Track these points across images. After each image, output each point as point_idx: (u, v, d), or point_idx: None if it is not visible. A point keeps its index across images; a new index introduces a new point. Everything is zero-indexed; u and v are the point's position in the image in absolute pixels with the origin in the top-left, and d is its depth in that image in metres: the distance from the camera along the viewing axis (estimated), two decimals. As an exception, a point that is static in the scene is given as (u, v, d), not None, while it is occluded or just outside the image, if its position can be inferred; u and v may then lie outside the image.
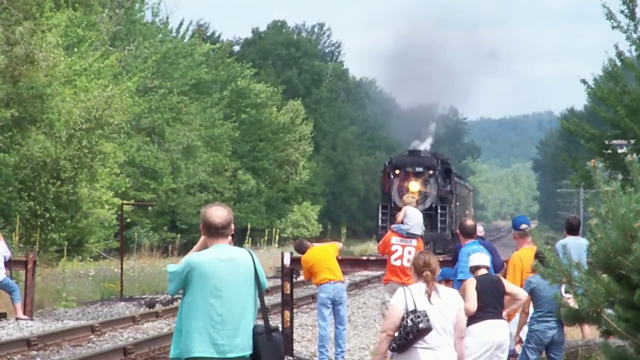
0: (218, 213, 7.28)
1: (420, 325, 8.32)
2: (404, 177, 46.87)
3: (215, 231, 7.26)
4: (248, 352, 7.21)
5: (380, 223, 46.58)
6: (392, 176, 47.23)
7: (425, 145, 59.17)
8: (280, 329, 9.52)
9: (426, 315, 8.36)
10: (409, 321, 8.35)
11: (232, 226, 7.35)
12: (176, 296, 26.91)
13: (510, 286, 11.53)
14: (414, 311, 8.38)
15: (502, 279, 11.65)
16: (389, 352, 8.60)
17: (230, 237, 7.33)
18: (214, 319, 7.13)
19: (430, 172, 47.16)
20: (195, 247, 7.41)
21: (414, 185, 46.25)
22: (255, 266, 7.30)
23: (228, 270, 7.19)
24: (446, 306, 8.51)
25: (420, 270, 8.58)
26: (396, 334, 8.44)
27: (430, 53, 79.26)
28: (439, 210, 46.71)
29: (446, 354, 8.48)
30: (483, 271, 11.30)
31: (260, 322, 7.33)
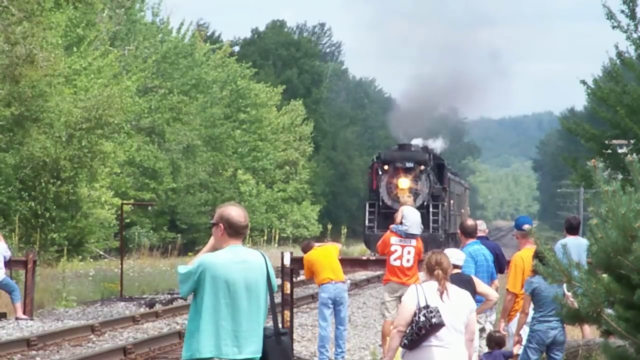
0: (241, 213, 7.27)
1: (433, 320, 8.32)
2: (393, 173, 43.95)
3: (239, 230, 7.23)
4: (258, 354, 7.17)
5: (367, 223, 43.60)
6: (380, 172, 44.41)
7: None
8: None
9: (438, 311, 8.37)
10: (421, 316, 8.35)
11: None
12: (177, 295, 26.95)
13: (481, 286, 11.57)
14: (427, 307, 8.39)
15: (474, 278, 11.65)
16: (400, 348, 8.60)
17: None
18: (225, 321, 7.09)
19: (422, 167, 44.35)
20: (205, 248, 7.36)
21: (404, 182, 43.22)
22: (268, 269, 7.28)
23: (241, 272, 7.15)
24: (457, 305, 8.52)
25: (432, 269, 8.62)
26: (407, 330, 8.44)
27: (431, 53, 79.27)
28: (430, 209, 43.84)
29: (457, 352, 8.48)
30: (456, 270, 11.27)
31: (269, 324, 7.30)
